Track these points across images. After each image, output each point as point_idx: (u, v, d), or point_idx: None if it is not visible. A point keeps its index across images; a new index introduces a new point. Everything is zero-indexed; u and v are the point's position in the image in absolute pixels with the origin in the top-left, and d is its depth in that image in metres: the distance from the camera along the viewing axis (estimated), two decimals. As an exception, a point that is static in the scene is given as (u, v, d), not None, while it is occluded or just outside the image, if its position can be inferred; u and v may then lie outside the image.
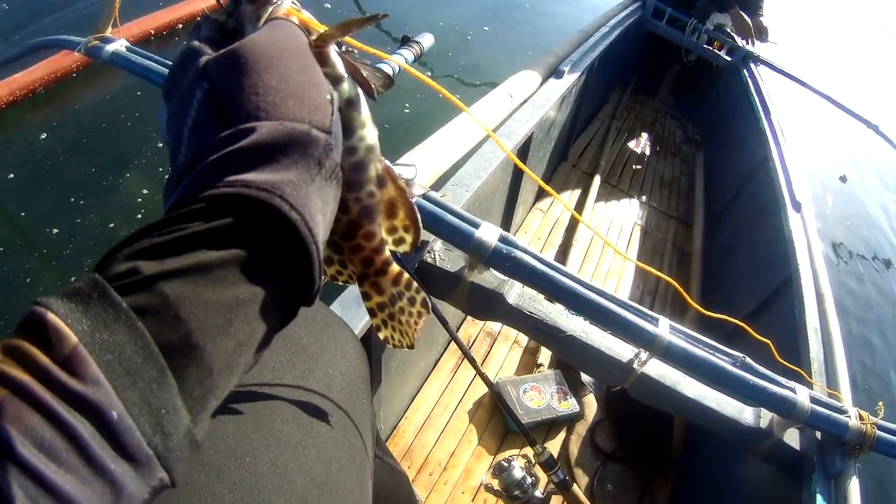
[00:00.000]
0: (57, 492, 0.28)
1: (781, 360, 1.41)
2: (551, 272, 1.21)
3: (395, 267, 0.62)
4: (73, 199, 2.93)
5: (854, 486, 1.36)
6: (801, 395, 1.32)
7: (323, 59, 0.51)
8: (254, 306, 0.41)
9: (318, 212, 0.44)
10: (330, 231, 0.50)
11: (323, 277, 0.47)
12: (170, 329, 0.34)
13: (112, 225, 2.89)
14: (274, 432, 0.65)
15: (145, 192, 3.11)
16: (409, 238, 0.60)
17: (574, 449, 2.13)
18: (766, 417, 1.45)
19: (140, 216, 2.98)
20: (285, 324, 0.47)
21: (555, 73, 2.75)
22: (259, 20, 0.51)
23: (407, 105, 4.19)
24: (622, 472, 2.13)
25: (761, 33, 4.42)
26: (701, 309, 1.29)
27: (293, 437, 0.66)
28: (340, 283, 0.64)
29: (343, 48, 0.55)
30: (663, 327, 1.27)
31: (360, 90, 0.54)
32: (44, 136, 3.24)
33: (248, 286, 0.40)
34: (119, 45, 1.64)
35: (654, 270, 1.22)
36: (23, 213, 2.86)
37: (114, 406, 0.31)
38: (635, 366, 1.37)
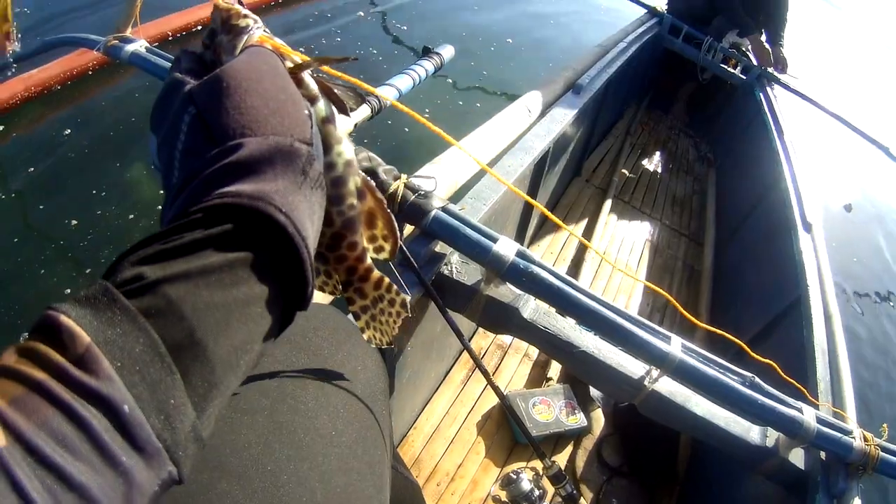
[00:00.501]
0: (72, 482, 0.30)
1: (787, 378, 1.43)
2: (567, 288, 1.23)
3: (377, 273, 0.67)
4: (94, 192, 2.98)
5: None
6: (808, 416, 1.32)
7: (298, 82, 0.55)
8: (252, 307, 0.44)
9: (307, 217, 0.48)
10: (317, 242, 0.53)
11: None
12: (175, 328, 0.37)
13: (132, 217, 2.94)
14: (295, 442, 0.66)
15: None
16: (388, 246, 0.65)
17: (581, 463, 2.13)
18: (773, 437, 1.46)
19: (160, 208, 3.01)
20: (283, 328, 0.50)
21: (573, 87, 2.76)
22: (235, 49, 0.54)
23: (427, 111, 4.22)
24: (627, 488, 2.13)
25: (779, 64, 4.43)
26: (697, 321, 1.31)
27: (315, 447, 0.68)
28: (327, 293, 0.68)
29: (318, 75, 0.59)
30: (675, 345, 1.28)
31: (334, 108, 0.58)
32: (67, 131, 3.29)
33: (245, 288, 0.43)
34: (139, 46, 1.66)
35: (656, 287, 1.23)
36: (41, 206, 2.91)
37: (126, 400, 0.33)
38: (646, 382, 1.38)
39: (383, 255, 0.65)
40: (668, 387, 1.41)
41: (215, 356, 0.39)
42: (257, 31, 0.56)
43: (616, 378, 1.40)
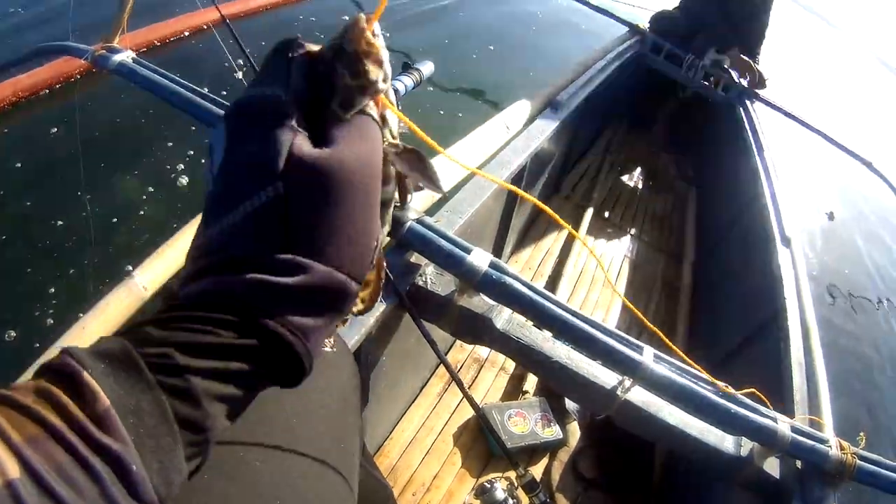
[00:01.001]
0: None
1: (758, 393, 1.44)
2: (539, 299, 1.24)
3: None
4: (79, 194, 2.99)
5: None
6: (783, 425, 1.34)
7: (385, 156, 0.54)
8: (252, 396, 0.47)
9: (322, 342, 0.51)
10: None
11: None
12: (188, 410, 0.41)
13: (115, 220, 3.01)
14: (268, 438, 0.68)
15: (150, 190, 3.23)
16: (363, 306, 0.64)
17: (556, 475, 2.15)
18: (747, 446, 1.47)
19: (143, 212, 3.10)
20: None
21: (552, 104, 2.77)
22: (351, 106, 0.50)
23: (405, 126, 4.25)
24: (603, 500, 2.15)
25: (758, 81, 4.47)
26: (665, 339, 1.32)
27: (286, 444, 0.69)
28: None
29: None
30: (647, 355, 1.30)
31: (397, 194, 0.58)
32: (54, 130, 3.36)
33: (252, 386, 0.46)
34: (125, 56, 1.68)
35: (629, 304, 1.25)
36: (28, 203, 2.98)
37: (134, 462, 0.37)
38: (619, 392, 1.39)
39: (356, 309, 0.64)
40: (641, 397, 1.42)
41: (213, 434, 0.43)
42: (383, 85, 0.51)
43: (589, 388, 1.41)
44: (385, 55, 0.51)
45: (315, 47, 0.52)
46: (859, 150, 4.23)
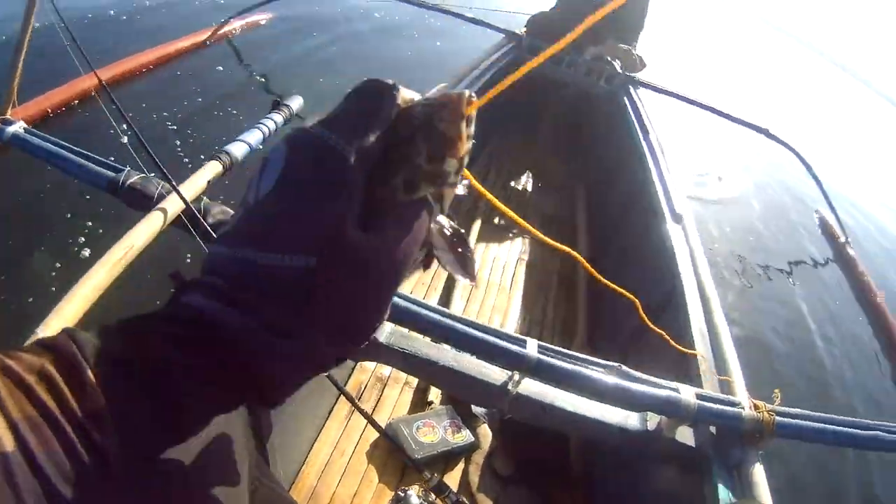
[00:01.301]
0: (60, 499, 0.36)
1: (678, 347, 1.48)
2: (413, 306, 1.29)
3: None
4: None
5: (758, 473, 1.42)
6: (686, 394, 1.39)
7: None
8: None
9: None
10: None
11: None
12: (169, 416, 0.42)
13: (30, 300, 2.89)
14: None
15: (58, 265, 3.12)
16: None
17: (475, 478, 2.18)
18: (654, 420, 1.51)
19: (53, 290, 2.97)
20: None
21: None
22: (414, 190, 0.46)
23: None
24: (525, 495, 2.20)
25: (638, 64, 4.62)
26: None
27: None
28: None
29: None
30: (531, 347, 1.35)
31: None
32: None
33: (228, 410, 0.48)
34: (18, 128, 1.67)
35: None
36: None
37: (115, 453, 0.39)
38: (510, 387, 1.43)
39: None
40: (533, 388, 1.46)
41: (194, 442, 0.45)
42: (451, 181, 0.48)
43: (480, 387, 1.45)
44: (468, 148, 0.47)
45: (410, 95, 0.48)
46: (755, 120, 4.43)
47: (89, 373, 0.38)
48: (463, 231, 0.51)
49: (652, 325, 1.44)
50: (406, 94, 0.47)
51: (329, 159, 0.45)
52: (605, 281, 1.17)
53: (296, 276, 0.44)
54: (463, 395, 1.57)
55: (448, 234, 0.51)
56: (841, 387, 4.26)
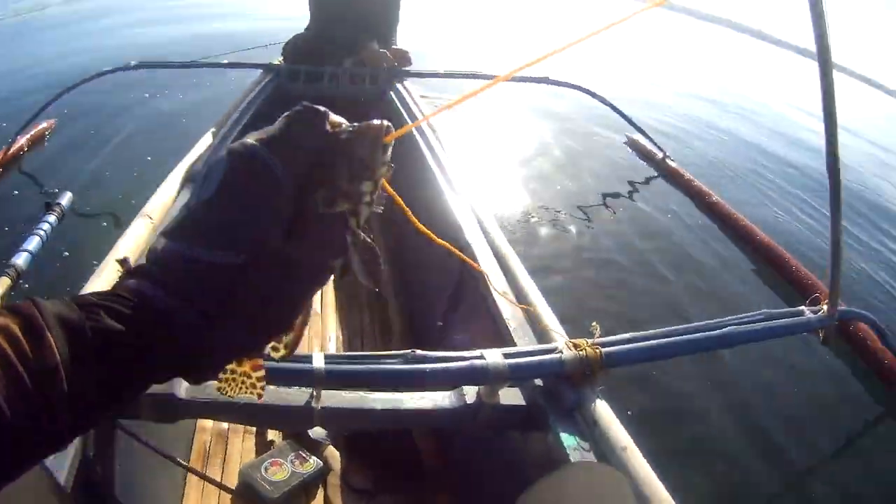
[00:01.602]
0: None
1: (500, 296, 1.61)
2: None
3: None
4: None
5: (601, 409, 1.44)
6: (492, 357, 1.44)
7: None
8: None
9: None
10: None
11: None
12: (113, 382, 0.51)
13: None
14: None
15: None
16: (285, 352, 0.66)
17: (336, 500, 2.22)
18: (471, 392, 1.55)
19: None
20: None
21: (190, 180, 2.69)
22: (331, 206, 0.55)
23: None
24: (391, 500, 2.25)
25: (403, 60, 4.76)
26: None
27: None
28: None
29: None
30: (317, 360, 1.41)
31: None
32: None
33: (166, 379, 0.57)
34: None
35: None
36: None
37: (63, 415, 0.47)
38: (313, 404, 1.48)
39: (277, 355, 0.65)
40: (337, 398, 1.52)
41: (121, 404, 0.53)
42: (365, 202, 0.57)
43: (285, 413, 1.50)
44: (384, 171, 0.57)
45: (338, 120, 0.58)
46: (531, 72, 4.68)
47: (48, 334, 0.46)
48: (373, 244, 0.60)
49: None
50: (335, 119, 0.58)
51: (262, 174, 0.53)
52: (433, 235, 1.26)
53: (222, 271, 0.52)
54: (277, 425, 1.61)
55: (359, 245, 0.58)
56: (698, 293, 4.43)
